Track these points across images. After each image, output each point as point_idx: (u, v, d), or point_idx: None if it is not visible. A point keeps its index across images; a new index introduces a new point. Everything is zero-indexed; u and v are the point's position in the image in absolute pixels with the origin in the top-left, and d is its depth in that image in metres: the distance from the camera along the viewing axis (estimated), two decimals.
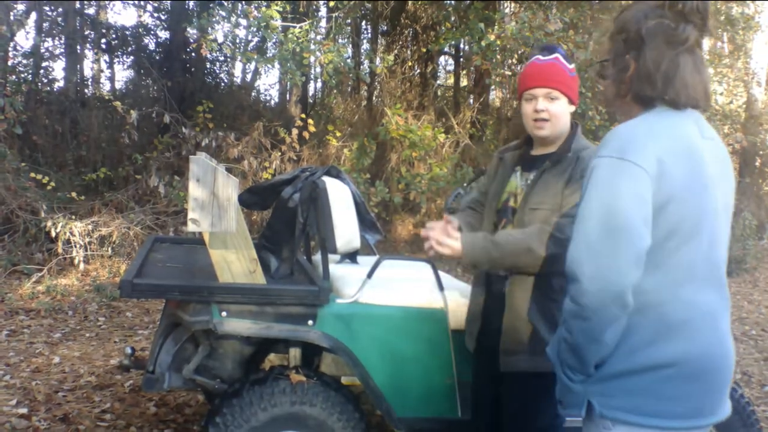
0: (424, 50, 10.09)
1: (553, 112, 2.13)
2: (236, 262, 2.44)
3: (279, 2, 7.00)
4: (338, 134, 8.79)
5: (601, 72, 1.56)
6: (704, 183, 1.41)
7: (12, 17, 8.24)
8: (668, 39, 1.44)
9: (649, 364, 1.39)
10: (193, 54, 10.29)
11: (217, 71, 11.54)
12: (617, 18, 1.53)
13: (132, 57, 11.03)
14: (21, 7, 8.97)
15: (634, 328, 1.39)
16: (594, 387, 1.43)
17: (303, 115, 8.18)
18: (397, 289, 2.63)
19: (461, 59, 10.81)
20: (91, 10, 10.94)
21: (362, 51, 10.52)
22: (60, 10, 9.65)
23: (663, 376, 1.38)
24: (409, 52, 10.48)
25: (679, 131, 1.43)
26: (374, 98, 10.40)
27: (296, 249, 2.78)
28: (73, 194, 7.05)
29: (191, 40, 10.15)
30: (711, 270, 1.43)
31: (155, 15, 11.38)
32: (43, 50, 9.49)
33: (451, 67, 12.19)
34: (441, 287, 2.61)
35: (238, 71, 13.30)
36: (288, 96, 11.59)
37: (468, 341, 2.38)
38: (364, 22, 10.88)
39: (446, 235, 2.10)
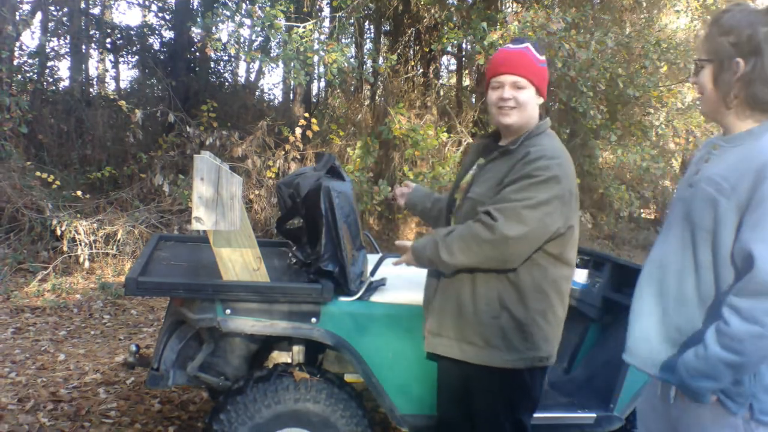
0: (427, 50, 10.07)
1: (520, 100, 2.09)
2: (240, 260, 2.46)
3: (283, 2, 7.01)
4: (341, 133, 8.80)
5: (697, 72, 1.60)
6: None
7: (17, 17, 8.26)
8: None
9: None
10: (197, 53, 10.32)
11: (222, 71, 11.56)
12: (718, 20, 1.55)
13: (137, 56, 11.05)
14: (26, 6, 9.00)
15: None
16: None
17: (307, 114, 8.19)
18: (399, 287, 2.65)
19: (463, 59, 10.79)
20: (96, 10, 10.97)
21: (365, 51, 10.52)
22: (65, 9, 9.68)
23: None
24: (411, 51, 10.46)
25: None
26: (377, 98, 10.41)
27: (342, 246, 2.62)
28: (78, 193, 7.08)
29: (196, 40, 10.19)
30: None
31: (160, 15, 11.41)
32: (48, 50, 9.51)
33: (453, 67, 12.18)
34: None
35: (242, 71, 13.34)
36: (292, 95, 11.60)
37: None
38: (367, 22, 10.88)
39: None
